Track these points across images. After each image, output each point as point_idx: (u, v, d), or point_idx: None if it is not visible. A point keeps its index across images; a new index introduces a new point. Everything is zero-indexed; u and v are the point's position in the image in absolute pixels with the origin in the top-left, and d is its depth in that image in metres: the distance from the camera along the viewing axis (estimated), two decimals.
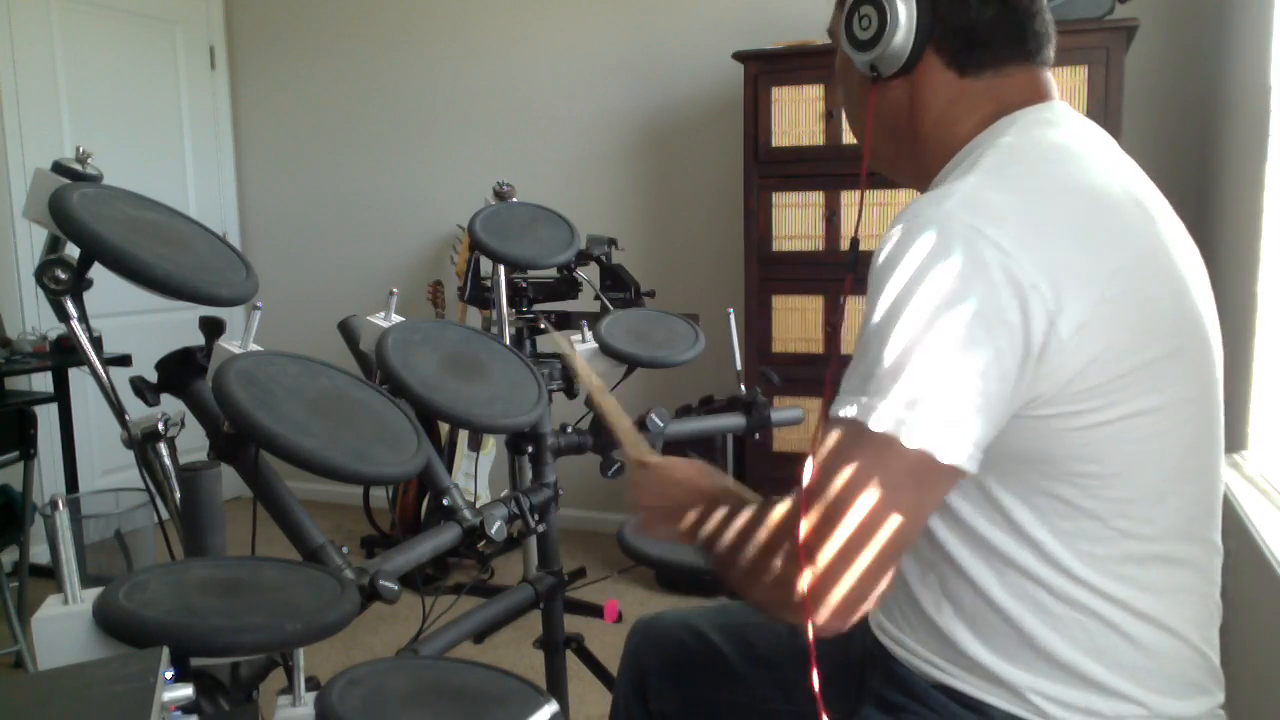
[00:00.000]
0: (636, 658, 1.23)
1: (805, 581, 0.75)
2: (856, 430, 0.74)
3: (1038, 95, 0.90)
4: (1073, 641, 0.82)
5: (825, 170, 2.68)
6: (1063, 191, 0.81)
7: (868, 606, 0.75)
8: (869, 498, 0.73)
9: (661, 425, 1.55)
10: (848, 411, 0.75)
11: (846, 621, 0.75)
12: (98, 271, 1.04)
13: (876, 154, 0.98)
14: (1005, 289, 0.73)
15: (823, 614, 0.74)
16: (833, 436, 0.76)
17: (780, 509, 0.80)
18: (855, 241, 0.97)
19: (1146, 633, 0.82)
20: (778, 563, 0.77)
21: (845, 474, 0.74)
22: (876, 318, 0.76)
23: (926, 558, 0.88)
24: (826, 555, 0.74)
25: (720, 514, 0.87)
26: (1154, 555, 0.82)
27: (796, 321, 2.76)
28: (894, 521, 0.74)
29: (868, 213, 2.64)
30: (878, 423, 0.73)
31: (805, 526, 0.75)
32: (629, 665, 1.24)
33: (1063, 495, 0.80)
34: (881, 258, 0.77)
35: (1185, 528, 0.84)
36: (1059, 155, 0.84)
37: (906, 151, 0.95)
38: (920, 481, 0.75)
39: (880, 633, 0.96)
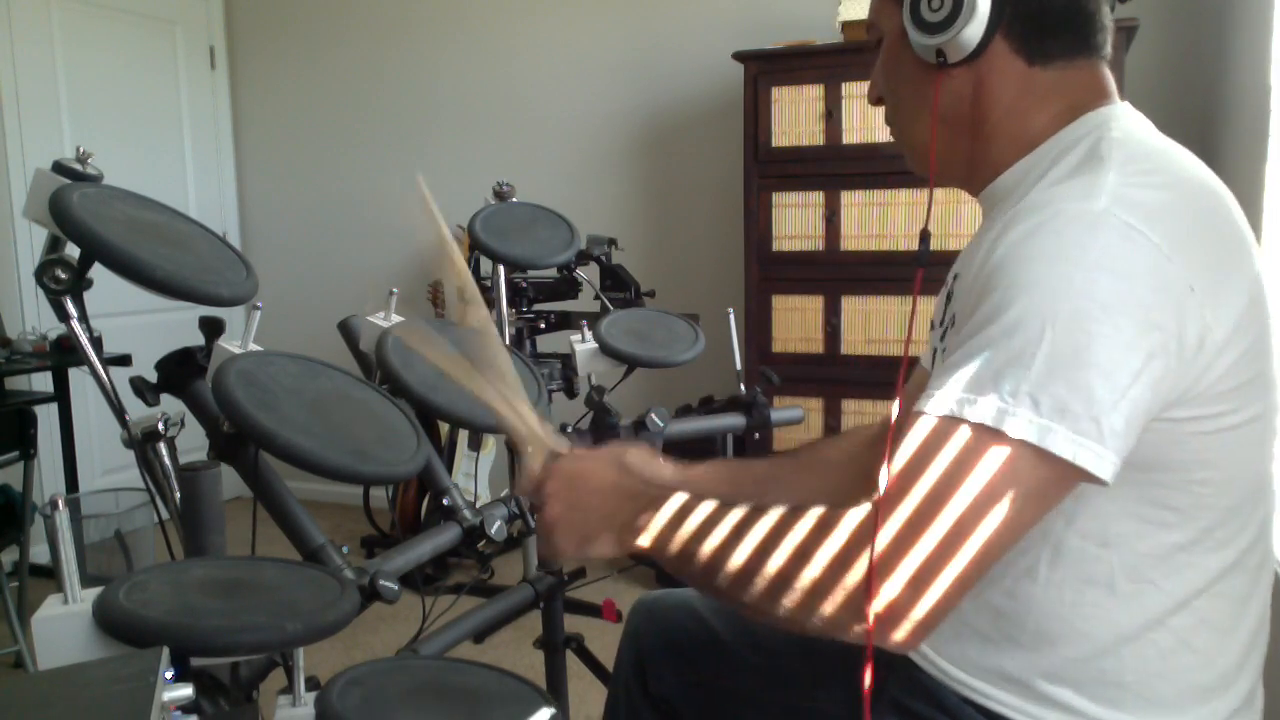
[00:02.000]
0: (636, 637, 1.22)
1: (878, 598, 0.68)
2: (988, 435, 0.68)
3: (1107, 92, 0.87)
4: (1143, 662, 0.79)
5: (825, 170, 2.68)
6: (1204, 192, 0.79)
7: (931, 626, 0.70)
8: (993, 508, 0.68)
9: (661, 425, 1.55)
10: (977, 414, 0.69)
11: (922, 640, 0.69)
12: (98, 271, 1.04)
13: (924, 148, 0.92)
14: (1164, 291, 0.70)
15: (901, 632, 0.68)
16: (949, 439, 0.70)
17: (855, 512, 0.72)
18: (926, 234, 0.88)
19: (1216, 645, 0.80)
20: (853, 577, 0.69)
21: (971, 483, 0.68)
22: (1020, 314, 0.69)
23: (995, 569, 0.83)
24: (938, 572, 0.68)
25: (742, 520, 0.77)
26: (1240, 565, 0.80)
27: (796, 321, 2.76)
28: (1010, 537, 0.69)
29: (867, 213, 2.64)
30: (1020, 430, 0.68)
31: (890, 533, 0.69)
32: (629, 645, 1.23)
33: (1173, 504, 0.76)
34: (1025, 250, 0.72)
35: (1261, 537, 0.83)
36: (1178, 155, 0.82)
37: (964, 145, 0.90)
38: (1050, 494, 0.70)
39: None
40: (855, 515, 0.72)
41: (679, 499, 0.82)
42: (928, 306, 0.99)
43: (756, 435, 1.78)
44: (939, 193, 2.52)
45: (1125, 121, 0.84)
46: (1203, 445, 0.75)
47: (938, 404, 0.72)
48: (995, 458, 0.68)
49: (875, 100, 0.99)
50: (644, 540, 0.82)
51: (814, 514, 0.74)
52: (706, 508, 0.80)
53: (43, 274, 1.04)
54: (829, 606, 0.71)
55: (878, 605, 0.68)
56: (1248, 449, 0.78)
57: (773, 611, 0.74)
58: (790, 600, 0.72)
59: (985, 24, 0.82)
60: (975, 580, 0.69)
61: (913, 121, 0.93)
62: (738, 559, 0.75)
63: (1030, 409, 0.68)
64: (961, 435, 0.69)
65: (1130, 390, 0.69)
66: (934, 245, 0.88)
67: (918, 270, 0.86)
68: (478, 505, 1.29)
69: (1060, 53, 0.85)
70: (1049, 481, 0.69)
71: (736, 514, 0.78)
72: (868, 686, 0.69)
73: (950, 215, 2.50)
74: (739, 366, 1.81)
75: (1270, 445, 0.82)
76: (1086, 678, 0.80)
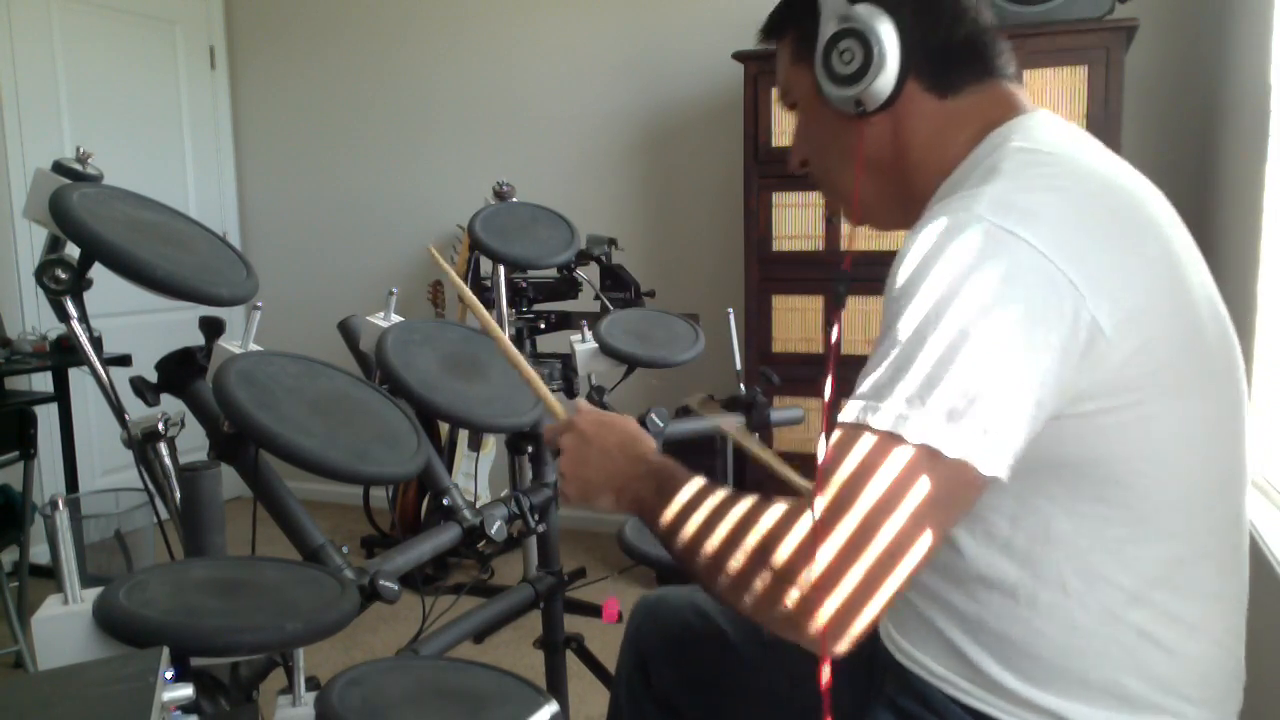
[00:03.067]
0: (639, 636, 1.22)
1: (823, 604, 0.70)
2: (889, 441, 0.71)
3: (1016, 106, 0.89)
4: (1106, 659, 0.79)
5: None
6: (1091, 187, 0.80)
7: (870, 627, 0.71)
8: (900, 512, 0.69)
9: (661, 425, 1.55)
10: (877, 421, 0.71)
11: (848, 642, 0.71)
12: (98, 271, 1.04)
13: (862, 200, 0.96)
14: (1043, 289, 0.71)
15: (823, 636, 0.71)
16: (854, 445, 0.72)
17: (795, 519, 0.74)
18: (845, 276, 0.94)
19: (1183, 640, 0.80)
20: (781, 573, 0.73)
21: (874, 487, 0.70)
22: (907, 323, 0.72)
23: (951, 577, 0.84)
24: (845, 573, 0.70)
25: (706, 503, 0.81)
26: (1197, 557, 0.80)
27: (796, 321, 2.76)
28: (924, 538, 0.70)
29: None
30: (915, 434, 0.70)
31: (821, 538, 0.71)
32: (631, 644, 1.23)
33: (1108, 497, 0.77)
34: (911, 263, 0.74)
35: (1223, 529, 0.83)
36: (1075, 154, 0.83)
37: (892, 189, 0.93)
38: (956, 494, 0.72)
39: (893, 648, 0.93)
40: (792, 518, 0.74)
41: (669, 471, 0.88)
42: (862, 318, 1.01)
43: (757, 435, 1.78)
44: None
45: (1030, 130, 0.86)
46: (1124, 437, 0.76)
47: (846, 412, 0.75)
48: (896, 462, 0.70)
49: (799, 165, 1.02)
50: (636, 508, 0.90)
51: (753, 506, 0.78)
52: (693, 487, 0.84)
53: (43, 274, 1.04)
54: (763, 603, 0.74)
55: (791, 605, 0.72)
56: (1182, 440, 0.78)
57: (734, 600, 0.78)
58: (750, 598, 0.76)
59: (896, 70, 0.86)
60: (903, 585, 0.70)
61: (841, 173, 0.96)
62: (710, 544, 0.79)
63: (920, 412, 0.70)
64: (875, 442, 0.72)
65: (1016, 387, 0.70)
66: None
67: (836, 313, 0.95)
68: (478, 505, 1.29)
69: (971, 79, 0.89)
70: (948, 482, 0.71)
71: (715, 498, 0.82)
72: (825, 683, 0.71)
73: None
74: (739, 366, 1.81)
75: (1225, 437, 0.82)
76: (1054, 677, 0.80)
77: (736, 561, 0.76)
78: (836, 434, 0.74)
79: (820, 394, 2.72)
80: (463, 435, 3.16)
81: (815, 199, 2.70)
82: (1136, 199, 0.82)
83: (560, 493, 0.99)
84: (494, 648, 2.27)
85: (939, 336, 0.71)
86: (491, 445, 3.24)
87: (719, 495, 0.81)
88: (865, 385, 0.74)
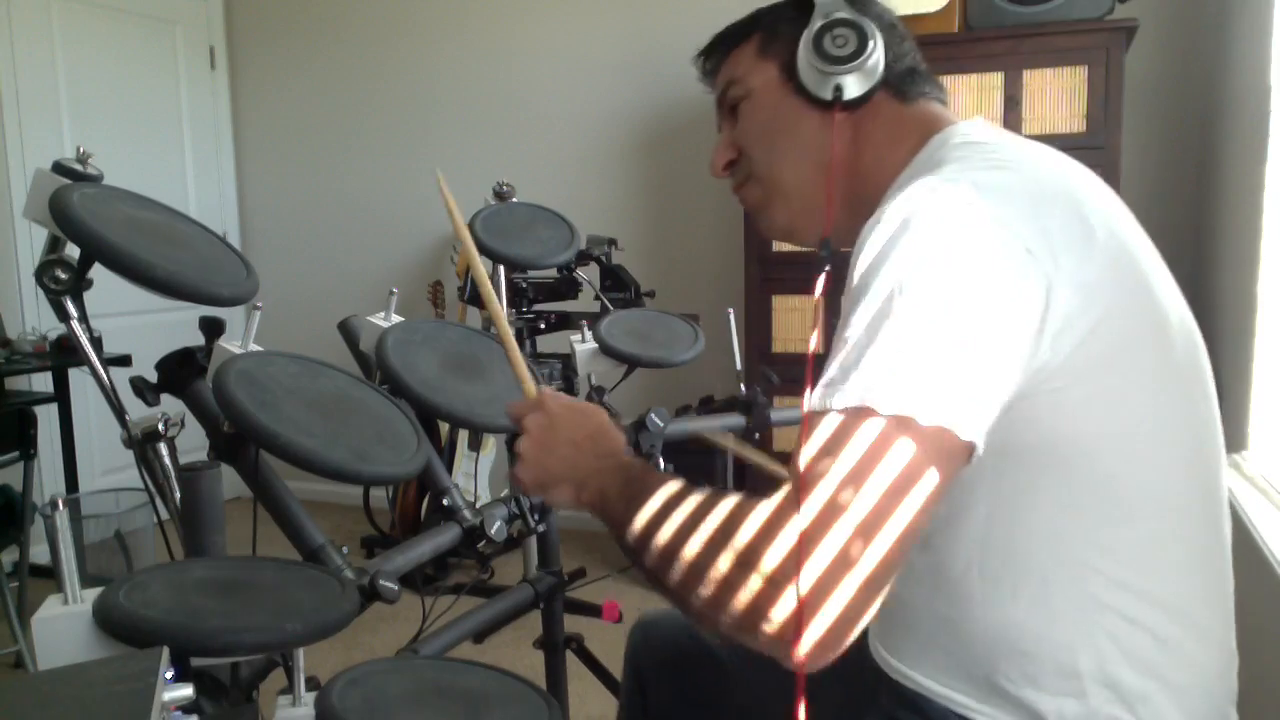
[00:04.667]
0: (636, 657, 1.23)
1: (789, 605, 0.64)
2: (860, 415, 0.67)
3: (951, 117, 0.93)
4: (1094, 648, 0.79)
5: None
6: (1041, 164, 0.82)
7: (856, 632, 0.65)
8: (875, 485, 0.65)
9: (661, 425, 1.55)
10: (845, 400, 0.68)
11: (835, 652, 0.65)
12: (98, 271, 1.04)
13: (806, 203, 0.94)
14: (1005, 256, 0.71)
15: (809, 643, 0.64)
16: (827, 427, 0.68)
17: (763, 508, 0.68)
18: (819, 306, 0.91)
19: (1164, 623, 0.80)
20: (755, 574, 0.66)
21: (849, 465, 0.66)
22: (871, 301, 0.71)
23: (932, 582, 0.84)
24: (819, 567, 0.64)
25: (682, 506, 0.74)
26: (1174, 536, 0.80)
27: (796, 321, 2.76)
28: (901, 518, 0.65)
29: None
30: (887, 404, 0.66)
31: (798, 530, 0.65)
32: (629, 665, 1.24)
33: (1079, 482, 0.77)
34: (874, 245, 0.73)
35: (1199, 510, 0.83)
36: (1017, 145, 0.85)
37: (843, 196, 0.93)
38: (936, 463, 0.67)
39: (884, 665, 0.92)
40: (763, 509, 0.68)
41: (634, 469, 0.82)
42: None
43: (757, 435, 1.78)
44: None
45: (968, 131, 0.88)
46: (1091, 416, 0.76)
47: (816, 397, 0.71)
48: (875, 437, 0.67)
49: (724, 166, 1.01)
50: (599, 504, 0.83)
51: (728, 503, 0.71)
52: (658, 485, 0.77)
53: (43, 274, 1.04)
54: (735, 610, 0.67)
55: (784, 613, 0.64)
56: (1149, 421, 0.78)
57: (689, 602, 0.71)
58: (704, 591, 0.69)
59: (881, 62, 0.88)
60: (888, 577, 0.66)
61: (792, 171, 0.95)
62: (661, 541, 0.73)
63: (889, 382, 0.68)
64: (845, 420, 0.68)
65: (985, 353, 0.69)
66: None
67: (812, 352, 0.81)
68: (478, 505, 1.29)
69: (924, 88, 0.93)
70: (933, 454, 0.67)
71: (670, 488, 0.76)
72: (800, 678, 0.66)
73: None
74: (739, 366, 1.81)
75: (1195, 421, 0.82)
76: (1044, 672, 0.80)
77: (719, 568, 0.68)
78: (826, 420, 0.69)
79: None
80: (463, 435, 3.16)
81: None
82: (1087, 178, 0.84)
83: (514, 476, 0.92)
84: (494, 648, 2.27)
85: (903, 307, 0.69)
86: (491, 445, 3.24)
87: (695, 497, 0.74)
88: (831, 370, 0.72)
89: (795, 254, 2.74)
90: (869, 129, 0.92)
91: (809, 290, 2.73)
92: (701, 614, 0.70)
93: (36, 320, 3.16)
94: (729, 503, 0.71)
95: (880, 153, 0.91)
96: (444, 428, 3.11)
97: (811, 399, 0.71)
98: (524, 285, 2.76)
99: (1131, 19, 2.35)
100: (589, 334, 1.64)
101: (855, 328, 0.71)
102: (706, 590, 0.68)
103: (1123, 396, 0.77)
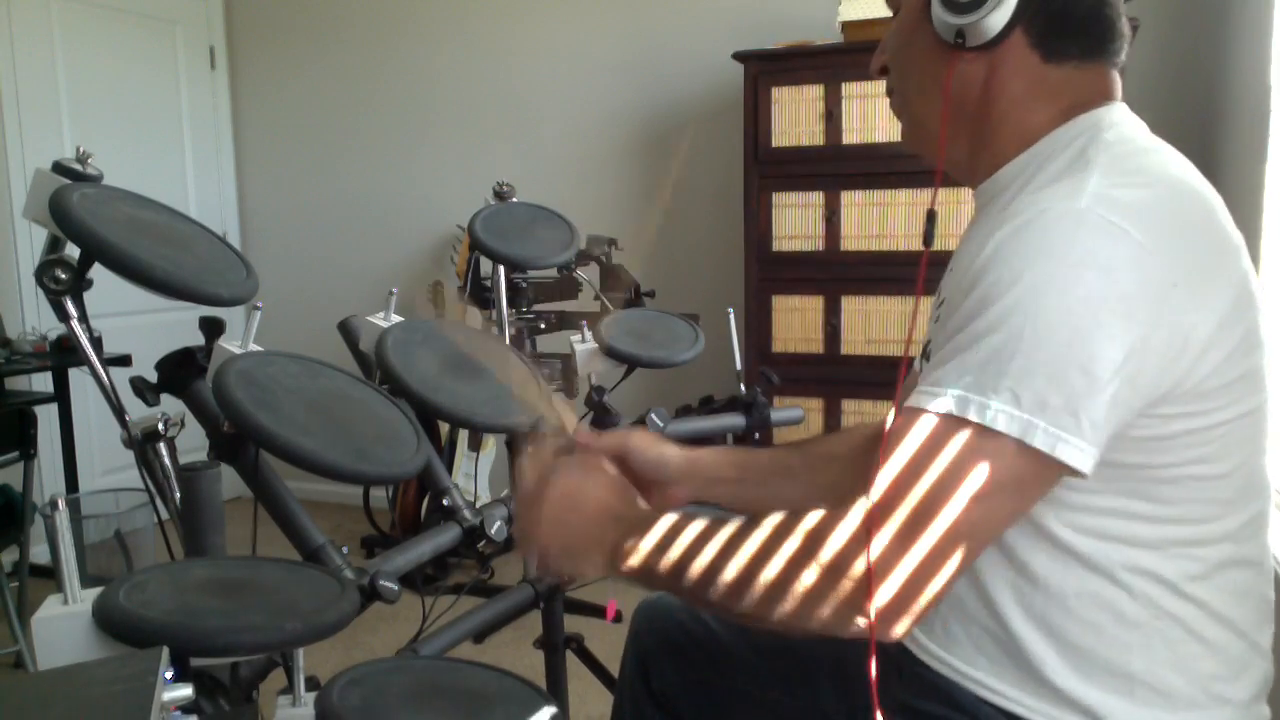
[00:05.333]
0: (638, 637, 1.23)
1: (875, 597, 0.70)
2: (970, 429, 0.70)
3: (1109, 94, 0.88)
4: (1149, 652, 0.79)
5: (825, 170, 2.68)
6: (1183, 191, 0.80)
7: (930, 607, 0.71)
8: (975, 500, 0.70)
9: (661, 425, 1.55)
10: (959, 410, 0.71)
11: (913, 629, 0.72)
12: (98, 271, 1.04)
13: (926, 127, 0.91)
14: (1146, 286, 0.71)
15: (899, 627, 0.71)
16: (934, 434, 0.72)
17: (852, 511, 0.73)
18: (932, 214, 0.88)
19: (1223, 637, 0.81)
20: (849, 580, 0.71)
21: (954, 475, 0.70)
22: (996, 309, 0.71)
23: (992, 569, 0.84)
24: (911, 562, 0.70)
25: (724, 530, 0.78)
26: (1237, 557, 0.81)
27: (796, 321, 2.76)
28: (987, 525, 0.71)
29: (867, 213, 2.63)
30: (1000, 423, 0.69)
31: (886, 534, 0.71)
32: (632, 645, 1.23)
33: (1165, 497, 0.78)
34: (1003, 248, 0.74)
35: (1257, 528, 0.84)
36: (1162, 155, 0.84)
37: (967, 134, 0.90)
38: (1030, 486, 0.72)
39: (913, 644, 0.92)
40: (850, 519, 0.73)
41: (667, 521, 0.82)
42: (902, 306, 0.99)
43: (757, 435, 1.78)
44: (944, 193, 2.51)
45: (1119, 123, 0.85)
46: (1192, 441, 0.76)
47: (925, 400, 0.73)
48: (977, 452, 0.70)
49: (879, 70, 0.97)
50: (633, 562, 0.81)
51: (809, 522, 0.75)
52: (695, 528, 0.79)
53: (43, 274, 1.04)
54: (827, 610, 0.72)
55: (876, 604, 0.70)
56: (1238, 444, 0.79)
57: (768, 618, 0.75)
58: (786, 607, 0.73)
59: (1011, 12, 0.82)
60: (962, 570, 0.71)
61: (918, 98, 0.93)
62: (729, 573, 0.76)
63: (1011, 404, 0.70)
64: (946, 431, 0.71)
65: (1110, 384, 0.70)
66: (934, 246, 0.87)
67: (924, 252, 0.86)
68: (478, 505, 1.29)
69: (1075, 53, 0.86)
70: (1029, 474, 0.71)
71: (726, 531, 0.78)
72: (874, 678, 0.72)
73: (952, 215, 2.50)
74: (739, 366, 1.81)
75: (1261, 439, 0.83)
76: (1098, 669, 0.80)
77: (772, 571, 0.73)
78: (910, 422, 0.73)
79: (820, 394, 2.72)
80: (463, 435, 3.16)
81: (815, 199, 2.70)
82: (1215, 207, 0.82)
83: (539, 563, 0.88)
84: (494, 648, 2.26)
85: (1039, 326, 0.70)
86: (491, 445, 3.23)
87: (734, 523, 0.78)
88: (946, 372, 0.73)
89: (795, 254, 2.74)
90: (1004, 76, 0.86)
91: (809, 290, 2.73)
92: (785, 623, 0.74)
93: (36, 320, 3.16)
94: (807, 522, 0.74)
95: (1014, 107, 0.87)
96: (444, 428, 3.11)
97: (929, 399, 0.73)
98: (524, 285, 2.76)
99: (1132, 19, 2.35)
100: (589, 334, 1.64)
101: (975, 337, 0.72)
102: (788, 604, 0.73)
103: (1224, 422, 0.77)
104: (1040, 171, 0.84)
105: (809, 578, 0.72)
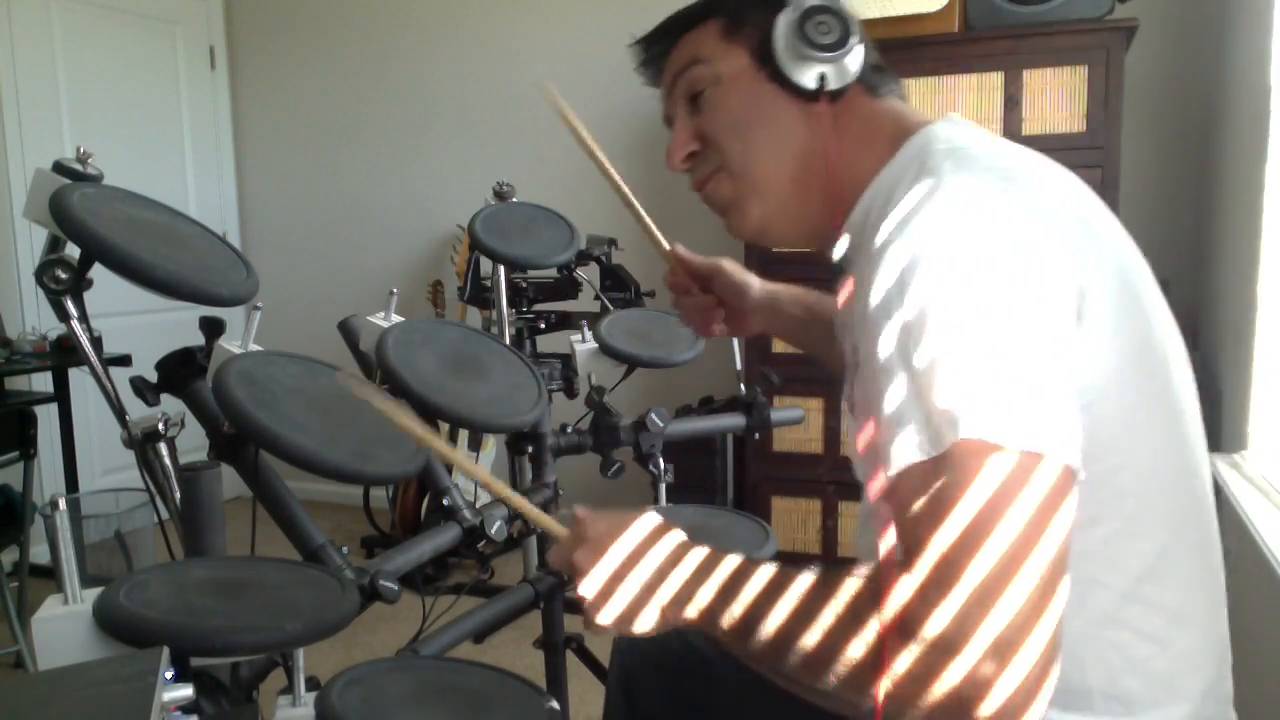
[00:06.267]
0: (623, 655, 1.22)
1: (968, 681, 0.60)
2: (982, 454, 0.63)
3: (921, 117, 0.87)
4: (1104, 663, 0.78)
5: None
6: (1044, 177, 0.79)
7: (1048, 688, 0.61)
8: (1025, 527, 0.61)
9: (661, 425, 1.55)
10: (989, 436, 0.63)
11: (1031, 706, 0.61)
12: (98, 271, 1.04)
13: (780, 201, 0.90)
14: (1048, 275, 0.69)
15: (996, 706, 0.60)
16: (930, 478, 0.64)
17: (910, 579, 0.63)
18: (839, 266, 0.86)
19: (1174, 632, 0.79)
20: (910, 657, 0.62)
21: (994, 507, 0.62)
22: (930, 332, 0.66)
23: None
24: (989, 632, 0.60)
25: (793, 588, 0.69)
26: (1180, 545, 0.80)
27: None
28: (1048, 547, 0.62)
29: None
30: (1012, 440, 0.63)
31: (924, 602, 0.61)
32: (616, 662, 1.23)
33: (1095, 495, 0.74)
34: (902, 259, 0.69)
35: (1194, 512, 0.83)
36: (1011, 149, 0.83)
37: (820, 193, 0.88)
38: (1066, 493, 0.64)
39: None
40: (910, 579, 0.63)
41: (730, 565, 0.74)
42: None
43: (756, 435, 1.78)
44: None
45: (948, 133, 0.83)
46: (1108, 431, 0.74)
47: (947, 436, 0.64)
48: (999, 472, 0.63)
49: (684, 159, 0.96)
50: (691, 613, 0.75)
51: (848, 590, 0.67)
52: (763, 576, 0.72)
53: (43, 274, 1.04)
54: (918, 700, 0.62)
55: (970, 689, 0.60)
56: (1152, 428, 0.78)
57: (842, 705, 0.67)
58: (869, 697, 0.64)
59: (863, 53, 0.84)
60: (1056, 612, 0.62)
61: (767, 164, 0.89)
62: (805, 643, 0.67)
63: (996, 415, 0.64)
64: (993, 463, 0.63)
65: (1060, 371, 0.68)
66: None
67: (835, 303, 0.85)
68: (478, 505, 1.29)
69: (887, 89, 0.89)
70: (1058, 482, 0.65)
71: (795, 593, 0.70)
72: None
73: None
74: (739, 366, 1.81)
75: (1179, 421, 0.81)
76: (1057, 692, 0.79)
77: (877, 671, 0.63)
78: (910, 478, 0.65)
79: (820, 394, 2.72)
80: (463, 435, 3.16)
81: None
82: (1085, 203, 0.81)
83: (590, 624, 0.80)
84: (494, 648, 2.26)
85: (973, 334, 0.66)
86: (491, 445, 3.23)
87: (806, 578, 0.70)
88: (920, 411, 0.66)
89: (795, 254, 2.72)
90: (844, 123, 0.86)
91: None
92: (873, 702, 0.64)
93: (36, 320, 3.16)
94: (849, 589, 0.66)
95: (853, 150, 0.86)
96: (444, 428, 3.11)
97: (904, 449, 0.66)
98: (524, 285, 2.76)
99: (1131, 19, 2.35)
100: (589, 334, 1.64)
101: (934, 356, 0.66)
102: (869, 697, 0.63)
103: (1129, 409, 0.76)
104: (891, 197, 0.78)
105: (881, 668, 0.63)
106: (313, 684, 0.90)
